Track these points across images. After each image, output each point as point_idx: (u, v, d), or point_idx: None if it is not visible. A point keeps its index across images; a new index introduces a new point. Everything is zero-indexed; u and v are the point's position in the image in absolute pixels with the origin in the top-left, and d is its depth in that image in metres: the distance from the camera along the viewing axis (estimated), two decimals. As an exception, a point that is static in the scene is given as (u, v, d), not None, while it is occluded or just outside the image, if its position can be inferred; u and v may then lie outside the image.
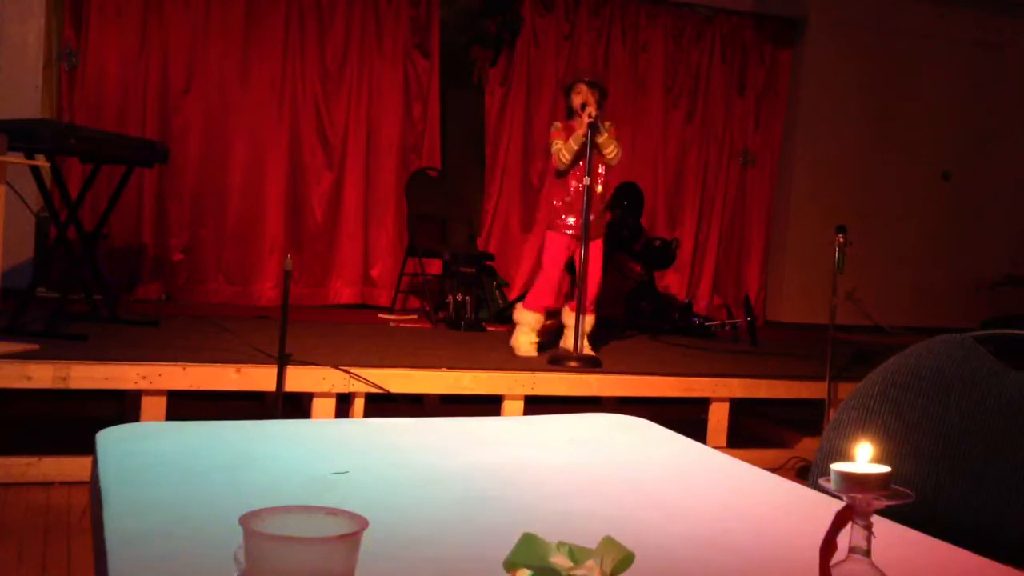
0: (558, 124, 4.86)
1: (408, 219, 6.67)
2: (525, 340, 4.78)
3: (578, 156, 4.67)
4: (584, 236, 4.56)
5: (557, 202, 4.83)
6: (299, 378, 3.85)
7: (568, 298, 4.88)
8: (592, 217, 4.63)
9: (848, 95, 7.96)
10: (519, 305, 4.93)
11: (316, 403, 3.92)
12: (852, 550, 0.87)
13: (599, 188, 4.72)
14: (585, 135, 4.58)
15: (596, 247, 4.74)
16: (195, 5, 6.40)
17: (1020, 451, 1.34)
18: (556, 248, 4.83)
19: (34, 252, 5.79)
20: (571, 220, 4.77)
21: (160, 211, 6.40)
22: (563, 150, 4.69)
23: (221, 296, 6.48)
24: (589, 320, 4.75)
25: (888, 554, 0.94)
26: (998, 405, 1.40)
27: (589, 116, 4.57)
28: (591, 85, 4.78)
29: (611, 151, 4.70)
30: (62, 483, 3.51)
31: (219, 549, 0.92)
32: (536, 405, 4.17)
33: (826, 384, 4.49)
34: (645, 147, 7.56)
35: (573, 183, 4.76)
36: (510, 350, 4.84)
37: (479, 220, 7.20)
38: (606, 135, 4.68)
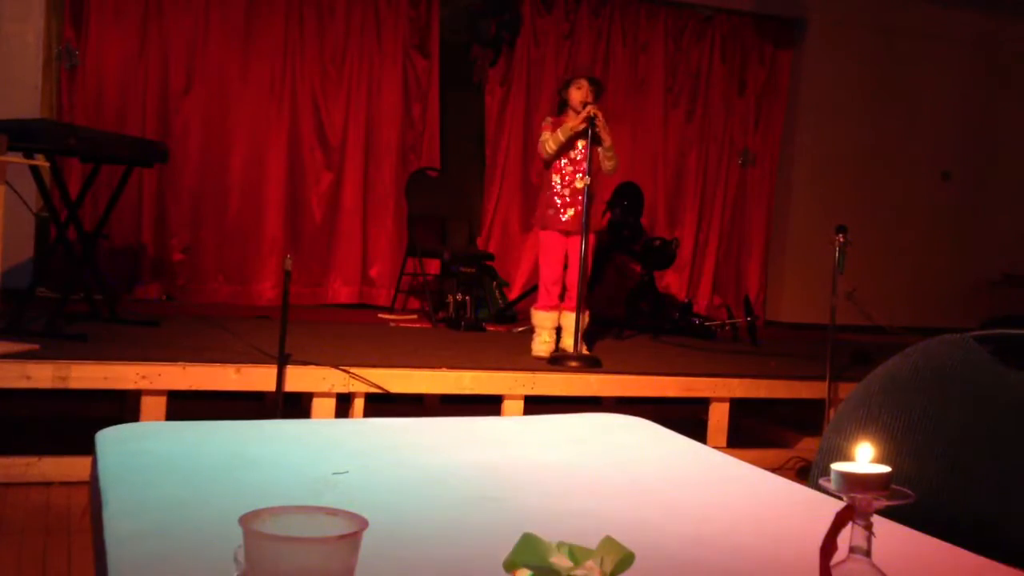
0: (549, 119, 4.89)
1: (408, 219, 6.67)
2: (539, 342, 4.80)
3: (563, 148, 4.70)
4: (584, 233, 4.55)
5: (550, 200, 4.84)
6: (299, 378, 3.85)
7: (561, 298, 4.88)
8: (574, 212, 4.63)
9: (848, 95, 7.96)
10: (532, 308, 4.93)
11: (316, 403, 3.92)
12: (852, 550, 0.87)
13: (583, 183, 4.67)
14: (577, 129, 4.59)
15: (588, 242, 4.71)
16: (195, 5, 6.40)
17: (1020, 451, 1.34)
18: (549, 244, 4.85)
19: (34, 252, 5.79)
20: (561, 217, 4.78)
21: (160, 211, 6.40)
22: (549, 140, 4.73)
23: (221, 296, 6.48)
24: (586, 318, 4.75)
25: (888, 554, 0.94)
26: (998, 405, 1.40)
27: (589, 111, 4.58)
28: (591, 81, 4.79)
29: (610, 163, 4.73)
30: (62, 483, 3.50)
31: (219, 549, 0.92)
32: (536, 405, 4.16)
33: (826, 384, 4.49)
34: (645, 147, 7.55)
35: (555, 177, 4.78)
36: (512, 350, 4.84)
37: (479, 220, 7.20)
38: (609, 141, 4.69)
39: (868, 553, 0.87)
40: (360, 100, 6.80)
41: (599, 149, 4.73)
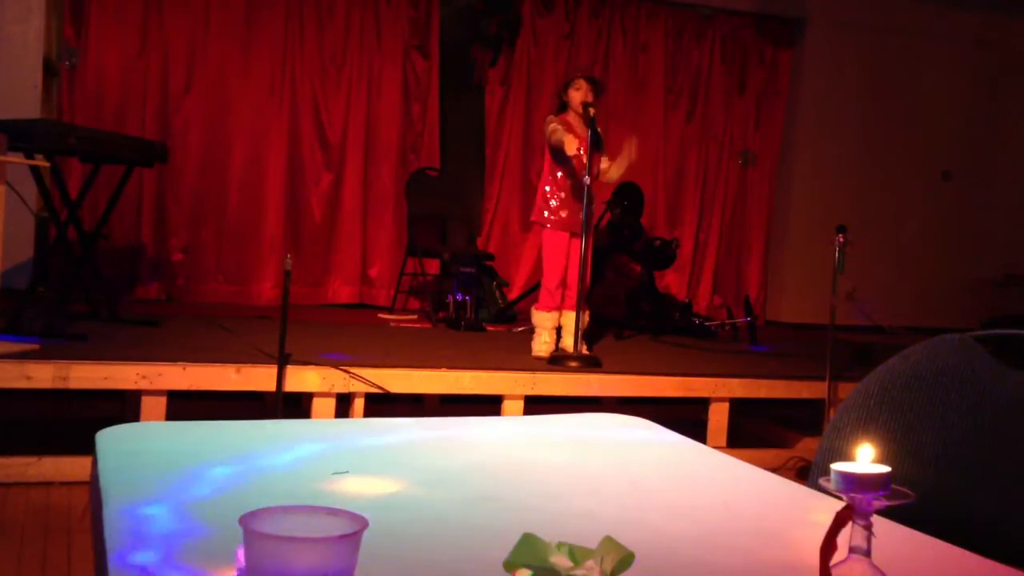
0: (552, 118, 4.88)
1: (408, 219, 6.66)
2: (540, 342, 4.80)
3: (555, 147, 4.70)
4: (584, 233, 4.55)
5: (553, 199, 4.83)
6: (299, 378, 3.85)
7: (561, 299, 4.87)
8: (574, 211, 4.64)
9: (848, 95, 7.96)
10: (533, 308, 4.92)
11: (316, 403, 3.92)
12: (852, 550, 0.87)
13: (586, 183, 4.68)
14: (571, 148, 4.62)
15: (588, 242, 4.71)
16: (195, 5, 6.40)
17: (1020, 451, 1.34)
18: (555, 244, 4.83)
19: (34, 252, 5.79)
20: (565, 215, 4.78)
21: (160, 211, 6.40)
22: (555, 132, 4.67)
23: (221, 296, 6.48)
24: (586, 318, 4.75)
25: (888, 554, 0.94)
26: (998, 405, 1.40)
27: (587, 109, 4.59)
28: (591, 81, 4.79)
29: (612, 171, 4.75)
30: (62, 483, 3.50)
31: (219, 549, 0.92)
32: (536, 405, 4.16)
33: (826, 384, 4.48)
34: (645, 147, 7.53)
35: (553, 177, 4.78)
36: (512, 350, 4.84)
37: (479, 220, 7.20)
38: (611, 165, 4.73)
39: (868, 553, 0.87)
40: (360, 100, 6.80)
41: (602, 157, 4.75)
